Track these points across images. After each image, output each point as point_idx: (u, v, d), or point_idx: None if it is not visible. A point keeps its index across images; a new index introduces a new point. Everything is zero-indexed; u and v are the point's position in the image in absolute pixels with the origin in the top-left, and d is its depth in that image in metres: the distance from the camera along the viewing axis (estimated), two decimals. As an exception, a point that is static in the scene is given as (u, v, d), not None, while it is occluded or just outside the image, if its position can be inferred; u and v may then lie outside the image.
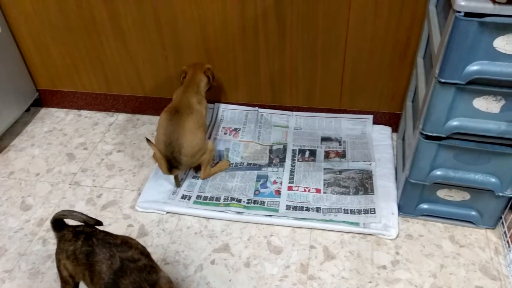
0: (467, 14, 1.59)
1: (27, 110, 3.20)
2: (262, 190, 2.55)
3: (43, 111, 3.27)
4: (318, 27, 2.57)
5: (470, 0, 1.57)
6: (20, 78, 3.05)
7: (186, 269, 2.19)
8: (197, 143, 2.46)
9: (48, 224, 2.43)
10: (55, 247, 2.26)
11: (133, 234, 2.35)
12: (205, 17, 2.63)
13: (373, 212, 2.38)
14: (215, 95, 3.01)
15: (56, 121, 3.17)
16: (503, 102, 1.79)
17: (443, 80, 1.77)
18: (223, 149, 2.83)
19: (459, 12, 1.60)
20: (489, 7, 1.56)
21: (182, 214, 2.46)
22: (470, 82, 1.74)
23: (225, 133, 2.93)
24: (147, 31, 2.75)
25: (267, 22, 2.59)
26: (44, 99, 3.26)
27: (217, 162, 2.73)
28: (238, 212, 2.42)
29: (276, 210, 2.43)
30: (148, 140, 2.40)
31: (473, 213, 2.27)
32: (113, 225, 2.43)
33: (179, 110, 2.48)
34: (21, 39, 2.94)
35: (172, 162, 2.42)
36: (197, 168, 2.66)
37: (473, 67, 1.71)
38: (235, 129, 2.95)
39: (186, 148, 2.41)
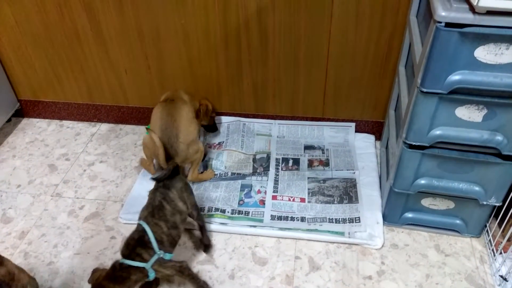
0: (448, 25, 1.59)
1: (8, 120, 3.17)
2: (246, 200, 2.54)
3: (25, 121, 3.24)
4: (300, 37, 2.56)
5: (450, 11, 1.57)
6: (1, 88, 3.01)
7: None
8: (192, 131, 2.47)
9: (29, 236, 2.40)
10: (36, 260, 2.26)
11: (116, 246, 2.33)
12: (188, 27, 2.62)
13: (358, 221, 2.37)
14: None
15: (37, 131, 3.14)
16: (485, 111, 1.79)
17: (425, 90, 1.77)
18: (207, 158, 2.82)
19: (440, 22, 1.60)
20: (469, 18, 1.55)
21: (166, 226, 2.44)
22: (452, 92, 1.74)
23: (209, 147, 2.91)
24: (129, 41, 2.73)
25: (250, 31, 2.58)
26: (26, 109, 3.23)
27: (202, 172, 2.71)
28: (222, 223, 2.40)
29: (261, 221, 2.42)
30: (147, 128, 2.39)
31: (458, 221, 2.27)
32: (95, 237, 2.40)
33: (174, 99, 2.51)
34: (2, 49, 2.91)
35: (169, 151, 2.40)
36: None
37: (455, 77, 1.70)
38: (219, 143, 2.94)
39: (182, 132, 2.41)
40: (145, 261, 1.85)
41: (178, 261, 1.97)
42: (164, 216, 1.97)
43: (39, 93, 3.12)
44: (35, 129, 3.17)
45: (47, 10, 2.67)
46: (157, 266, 1.88)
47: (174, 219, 1.99)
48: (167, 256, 1.91)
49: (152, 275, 1.86)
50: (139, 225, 1.95)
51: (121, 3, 2.58)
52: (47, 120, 3.25)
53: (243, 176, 2.69)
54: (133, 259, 1.84)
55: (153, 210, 1.98)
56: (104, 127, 3.16)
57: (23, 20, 2.75)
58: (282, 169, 2.72)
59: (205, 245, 2.29)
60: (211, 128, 2.91)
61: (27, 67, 2.98)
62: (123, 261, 1.85)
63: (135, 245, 1.87)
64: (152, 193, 2.06)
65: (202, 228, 2.27)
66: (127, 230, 2.39)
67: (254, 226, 2.38)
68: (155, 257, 1.87)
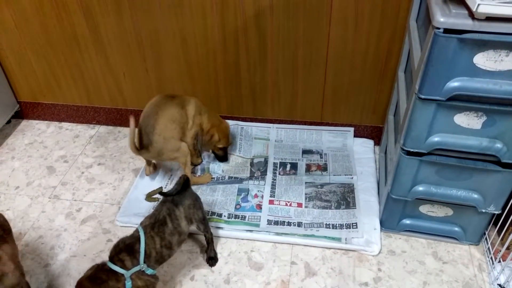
0: (446, 31, 1.57)
1: (8, 122, 3.18)
2: (243, 204, 2.52)
3: (24, 123, 3.24)
4: (298, 41, 2.55)
5: (449, 17, 1.56)
6: (1, 90, 3.01)
7: (165, 286, 2.16)
8: (172, 129, 2.45)
9: (26, 238, 2.39)
10: (33, 262, 2.25)
11: (112, 249, 2.32)
12: (186, 30, 2.61)
13: (355, 226, 2.36)
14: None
15: (37, 133, 3.13)
16: (484, 118, 1.77)
17: (423, 96, 1.75)
18: (204, 162, 2.80)
19: (438, 28, 1.58)
20: (468, 24, 1.54)
21: (162, 229, 2.43)
22: (451, 98, 1.72)
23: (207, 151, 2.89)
24: (127, 44, 2.72)
25: (248, 34, 2.57)
26: (25, 111, 3.22)
27: (199, 175, 2.70)
28: (218, 227, 2.39)
29: (257, 225, 2.40)
30: (131, 118, 2.37)
31: (456, 229, 2.26)
32: (92, 239, 2.39)
33: (175, 97, 2.51)
34: (2, 51, 2.90)
35: (143, 139, 2.42)
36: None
37: (454, 84, 1.69)
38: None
39: (160, 125, 2.40)
40: (126, 268, 1.84)
41: (153, 276, 1.94)
42: (162, 233, 1.94)
43: (39, 95, 3.12)
44: (35, 130, 3.16)
45: (46, 13, 2.67)
46: (135, 276, 1.86)
47: (170, 239, 1.96)
48: (149, 271, 1.89)
49: (128, 284, 1.84)
50: (137, 231, 1.94)
51: (119, 7, 2.58)
52: (46, 122, 3.24)
53: (240, 180, 2.68)
54: (114, 263, 1.83)
55: (155, 223, 1.95)
56: (102, 129, 3.15)
57: (23, 23, 2.75)
58: (279, 174, 2.71)
59: (209, 257, 2.26)
60: (220, 158, 2.81)
61: (27, 69, 2.97)
62: (106, 262, 1.85)
63: (122, 249, 1.86)
64: (160, 205, 2.03)
65: (209, 241, 2.24)
66: (124, 233, 2.38)
67: (251, 231, 2.37)
68: (136, 268, 1.85)
